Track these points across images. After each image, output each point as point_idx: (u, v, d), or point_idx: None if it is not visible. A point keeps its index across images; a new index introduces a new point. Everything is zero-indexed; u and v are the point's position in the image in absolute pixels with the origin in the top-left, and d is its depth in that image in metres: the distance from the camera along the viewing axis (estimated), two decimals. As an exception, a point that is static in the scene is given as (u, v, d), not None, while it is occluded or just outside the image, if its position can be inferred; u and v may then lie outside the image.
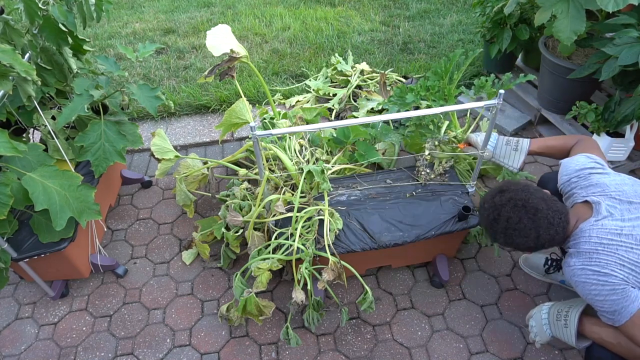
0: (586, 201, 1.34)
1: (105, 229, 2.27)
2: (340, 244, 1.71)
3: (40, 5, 1.67)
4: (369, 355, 1.76)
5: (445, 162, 1.93)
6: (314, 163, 2.09)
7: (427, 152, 1.91)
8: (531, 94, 2.71)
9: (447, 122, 2.03)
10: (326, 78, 3.05)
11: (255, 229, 1.87)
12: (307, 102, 2.95)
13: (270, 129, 2.27)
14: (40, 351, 1.82)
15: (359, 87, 2.93)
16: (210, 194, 2.36)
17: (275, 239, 1.74)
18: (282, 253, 1.70)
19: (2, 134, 1.41)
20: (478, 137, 1.78)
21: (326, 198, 1.80)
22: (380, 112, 2.75)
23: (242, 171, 2.10)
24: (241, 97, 2.12)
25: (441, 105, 1.89)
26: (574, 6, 1.99)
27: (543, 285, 1.94)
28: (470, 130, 2.09)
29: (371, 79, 2.99)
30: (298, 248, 1.65)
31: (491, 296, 1.92)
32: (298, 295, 1.61)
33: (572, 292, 1.90)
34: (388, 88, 2.86)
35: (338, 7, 4.17)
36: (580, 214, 1.33)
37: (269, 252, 1.73)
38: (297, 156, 2.10)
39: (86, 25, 1.94)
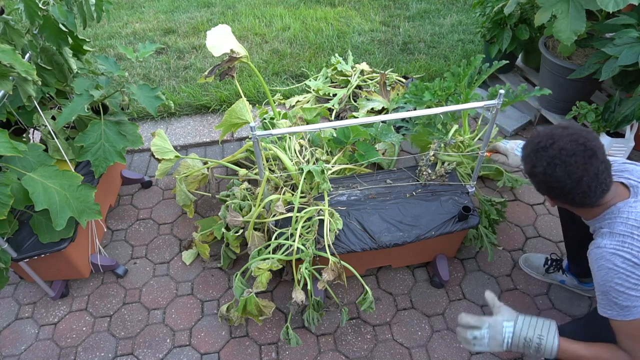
0: (622, 182, 1.26)
1: (105, 229, 2.26)
2: (340, 244, 1.71)
3: (40, 6, 1.67)
4: (369, 355, 1.76)
5: (448, 165, 1.93)
6: (314, 163, 2.09)
7: (431, 153, 1.90)
8: (531, 94, 2.71)
9: (456, 126, 2.02)
10: (326, 78, 3.05)
11: (255, 229, 1.87)
12: (307, 102, 2.95)
13: (270, 129, 2.27)
14: (40, 351, 1.82)
15: (359, 87, 2.93)
16: (210, 194, 2.36)
17: (275, 239, 1.74)
18: (282, 253, 1.70)
19: (2, 134, 1.41)
20: (507, 145, 1.71)
21: (326, 198, 1.80)
22: (380, 112, 2.75)
23: (242, 171, 2.10)
24: (241, 97, 2.12)
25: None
26: (574, 6, 1.99)
27: (543, 285, 1.94)
28: (480, 135, 2.08)
29: (371, 79, 2.99)
30: (298, 248, 1.65)
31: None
32: (298, 295, 1.61)
33: (572, 292, 1.90)
34: (388, 88, 2.86)
35: (338, 7, 4.17)
36: (617, 192, 1.24)
37: (269, 252, 1.73)
38: (297, 156, 2.10)
39: (86, 25, 1.94)
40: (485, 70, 1.93)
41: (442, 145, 1.91)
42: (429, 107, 1.98)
